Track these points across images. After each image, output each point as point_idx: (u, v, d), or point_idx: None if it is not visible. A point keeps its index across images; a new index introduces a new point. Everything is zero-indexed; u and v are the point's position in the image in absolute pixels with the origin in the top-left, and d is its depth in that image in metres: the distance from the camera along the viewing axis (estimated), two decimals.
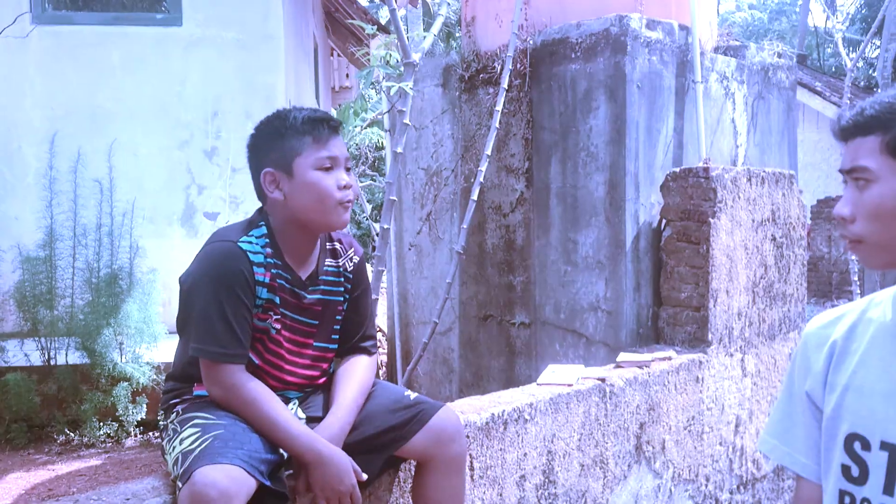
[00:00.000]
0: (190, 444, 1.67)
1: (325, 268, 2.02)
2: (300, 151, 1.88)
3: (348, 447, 1.90)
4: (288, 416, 1.80)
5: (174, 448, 1.72)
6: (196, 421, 1.75)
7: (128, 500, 1.75)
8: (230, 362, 1.80)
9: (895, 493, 1.20)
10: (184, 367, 1.93)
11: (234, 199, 6.99)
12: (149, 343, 5.23)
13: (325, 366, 2.08)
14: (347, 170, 1.95)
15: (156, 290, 5.41)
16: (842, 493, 1.27)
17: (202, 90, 6.95)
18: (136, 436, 5.10)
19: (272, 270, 1.88)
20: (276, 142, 1.91)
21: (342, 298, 2.06)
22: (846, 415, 1.27)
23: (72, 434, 4.99)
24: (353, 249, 2.11)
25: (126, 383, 4.99)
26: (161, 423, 1.95)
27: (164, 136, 6.91)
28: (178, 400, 1.91)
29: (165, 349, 5.31)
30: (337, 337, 2.09)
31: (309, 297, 1.97)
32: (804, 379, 1.36)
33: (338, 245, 2.09)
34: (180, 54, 6.95)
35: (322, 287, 2.00)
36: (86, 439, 4.95)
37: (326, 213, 1.89)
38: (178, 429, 1.77)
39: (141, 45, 6.94)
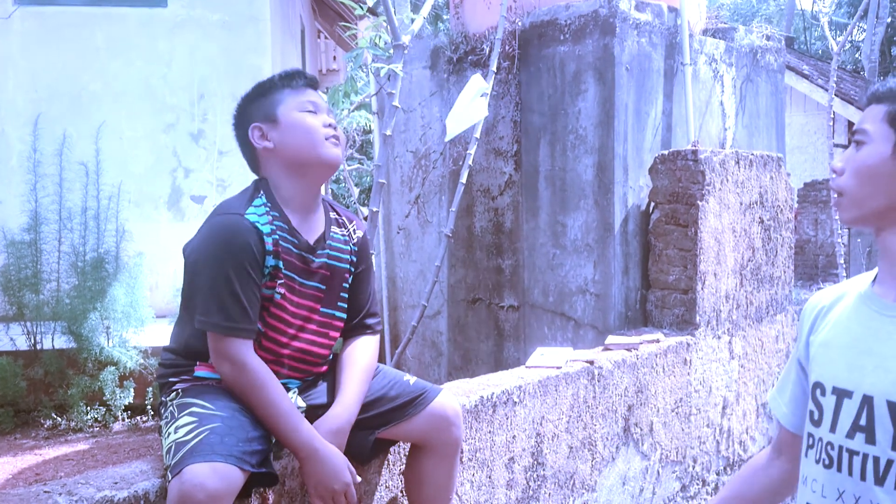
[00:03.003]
0: (184, 435, 1.64)
1: (332, 234, 2.00)
2: (281, 101, 1.93)
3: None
4: (290, 407, 1.78)
5: (169, 434, 1.70)
6: (194, 409, 1.72)
7: (116, 483, 1.74)
8: (239, 336, 1.77)
9: (836, 431, 1.34)
10: (187, 342, 1.88)
11: (220, 181, 6.95)
12: (136, 327, 5.20)
13: (333, 334, 2.02)
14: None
15: (142, 274, 5.37)
16: (808, 436, 1.43)
17: (188, 72, 6.89)
18: (123, 420, 5.08)
19: (278, 234, 1.86)
20: (258, 101, 1.96)
21: (349, 267, 2.04)
22: (815, 367, 1.44)
23: (59, 419, 4.97)
24: (355, 223, 2.10)
25: (113, 367, 4.96)
26: (161, 397, 1.90)
27: (149, 118, 6.85)
28: (177, 378, 1.87)
29: (153, 333, 5.28)
30: (345, 306, 2.04)
31: (316, 260, 1.94)
32: (798, 345, 1.55)
33: (344, 218, 2.08)
34: (165, 36, 6.88)
35: (328, 252, 1.98)
36: (73, 424, 4.93)
37: (316, 146, 1.90)
38: (176, 414, 1.74)
39: (125, 26, 6.86)
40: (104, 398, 4.97)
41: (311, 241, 1.94)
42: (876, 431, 1.29)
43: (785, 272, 4.11)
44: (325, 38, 12.38)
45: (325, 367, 2.05)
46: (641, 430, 3.21)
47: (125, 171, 6.23)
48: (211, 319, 1.76)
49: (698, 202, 3.51)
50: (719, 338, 3.66)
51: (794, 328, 4.20)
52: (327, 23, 11.55)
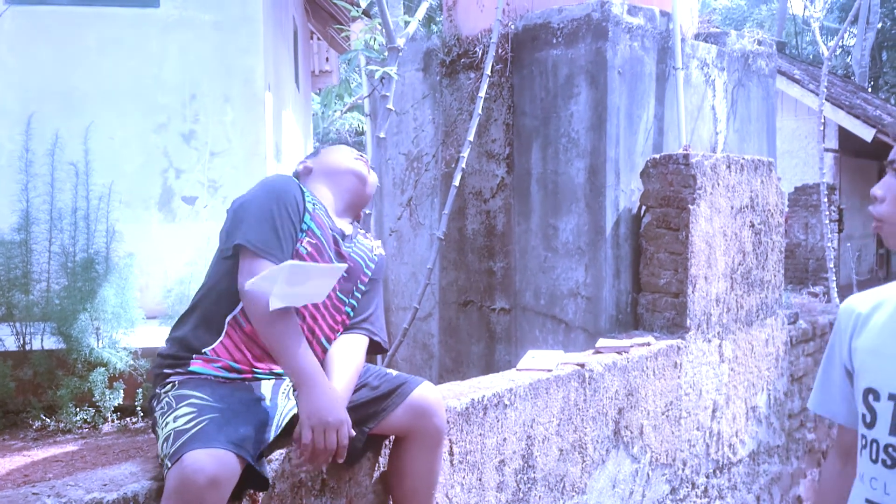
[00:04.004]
0: (184, 424, 1.67)
1: (359, 238, 2.20)
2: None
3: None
4: (301, 337, 1.84)
5: (167, 423, 1.72)
6: (192, 400, 1.75)
7: (105, 485, 1.73)
8: (268, 259, 1.86)
9: None
10: (186, 335, 1.94)
11: (212, 182, 6.93)
12: (126, 328, 5.18)
13: (339, 318, 2.09)
14: None
15: (133, 275, 5.35)
16: (861, 437, 1.51)
17: (180, 73, 6.87)
18: (113, 421, 5.06)
19: (318, 209, 2.06)
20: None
21: (367, 271, 2.17)
22: (864, 373, 1.52)
23: (48, 420, 4.95)
24: (379, 243, 2.30)
25: (103, 368, 4.94)
26: (155, 389, 1.92)
27: (141, 119, 6.82)
28: (172, 371, 1.90)
29: (143, 334, 5.26)
30: (354, 304, 2.15)
31: (345, 247, 2.11)
32: (840, 349, 1.62)
33: (370, 235, 2.30)
34: (157, 36, 6.86)
35: (354, 248, 2.15)
36: (62, 425, 4.91)
37: (347, 160, 2.23)
38: (174, 404, 1.76)
39: (117, 26, 6.84)
40: (94, 399, 4.94)
41: (343, 233, 2.13)
42: None
43: (775, 276, 4.13)
44: (318, 39, 12.37)
45: (322, 355, 2.06)
46: (631, 432, 3.21)
47: (116, 171, 6.20)
48: (248, 237, 1.86)
49: (689, 206, 3.52)
50: (709, 341, 3.67)
51: (784, 331, 4.22)
52: (320, 24, 11.54)
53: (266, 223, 1.89)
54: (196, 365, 1.91)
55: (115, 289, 5.19)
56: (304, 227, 1.98)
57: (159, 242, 6.64)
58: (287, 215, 1.92)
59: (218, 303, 1.97)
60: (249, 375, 1.94)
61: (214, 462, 1.57)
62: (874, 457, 1.47)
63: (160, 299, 5.47)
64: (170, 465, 1.60)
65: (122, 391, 5.03)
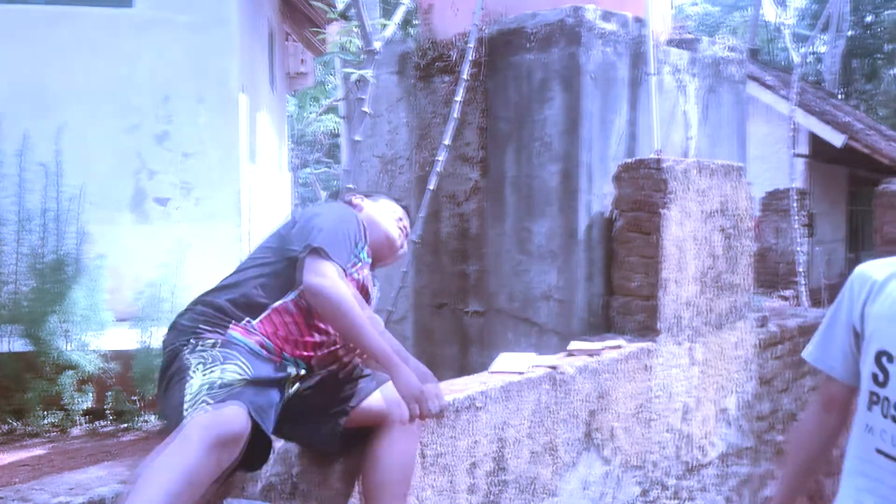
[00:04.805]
0: (233, 378, 1.82)
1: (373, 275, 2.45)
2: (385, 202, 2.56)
3: (311, 408, 2.07)
4: (369, 326, 2.07)
5: (212, 371, 1.84)
6: (239, 363, 1.88)
7: (72, 489, 1.72)
8: (338, 265, 2.05)
9: None
10: (227, 302, 2.05)
11: (185, 184, 6.88)
12: (96, 331, 5.13)
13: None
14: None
15: (103, 277, 5.30)
16: (871, 394, 1.69)
17: (153, 73, 6.82)
18: (82, 425, 5.01)
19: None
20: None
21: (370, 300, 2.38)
22: (878, 336, 1.69)
23: (15, 423, 4.88)
24: (377, 287, 2.49)
25: (72, 371, 4.89)
26: (188, 339, 1.99)
27: (113, 119, 6.76)
28: (211, 329, 2.00)
29: (113, 337, 5.21)
30: None
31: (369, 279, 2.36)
32: (850, 311, 1.79)
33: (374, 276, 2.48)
34: (131, 36, 6.80)
35: (371, 277, 2.39)
36: (30, 428, 4.84)
37: (389, 225, 2.44)
38: (221, 359, 1.89)
39: (91, 26, 6.77)
40: (62, 402, 4.89)
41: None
42: None
43: (745, 279, 4.18)
44: (294, 41, 12.32)
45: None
46: (603, 435, 3.24)
47: (87, 172, 6.12)
48: (325, 244, 2.04)
49: (661, 210, 3.55)
50: (680, 344, 3.71)
51: (753, 335, 4.27)
52: (296, 26, 11.50)
53: (341, 240, 2.11)
54: (234, 331, 2.01)
55: (86, 291, 5.14)
56: (361, 256, 2.25)
57: (131, 244, 6.57)
58: (354, 242, 2.18)
59: (265, 290, 2.09)
60: (278, 360, 2.04)
61: (245, 423, 1.70)
62: (885, 412, 1.66)
63: (131, 301, 5.41)
64: (209, 401, 1.73)
65: (91, 394, 4.98)
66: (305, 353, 2.10)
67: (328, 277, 2.00)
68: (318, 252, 2.03)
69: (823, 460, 1.96)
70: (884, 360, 1.68)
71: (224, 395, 1.75)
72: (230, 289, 2.10)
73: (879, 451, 1.68)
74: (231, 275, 2.19)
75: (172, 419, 1.77)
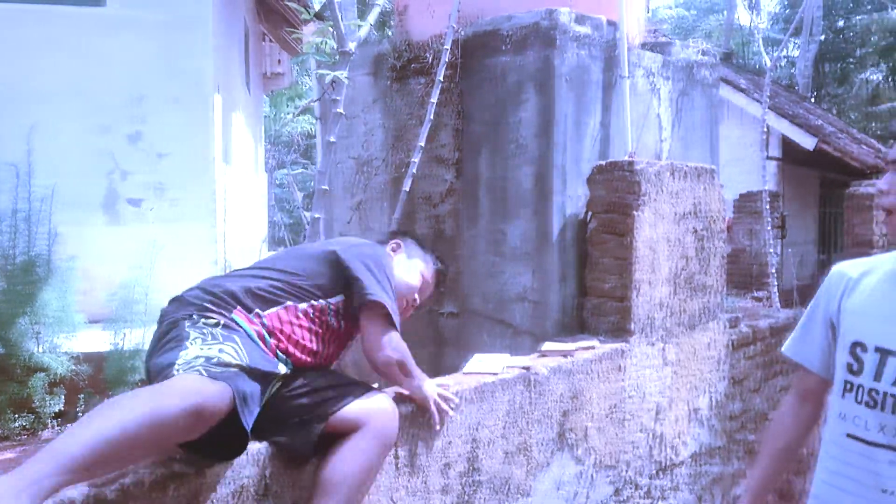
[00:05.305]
0: (229, 360, 1.86)
1: None
2: (426, 260, 2.69)
3: (291, 410, 2.07)
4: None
5: (210, 347, 1.88)
6: (236, 348, 1.92)
7: None
8: (398, 330, 2.29)
9: (881, 381, 1.75)
10: (243, 291, 2.10)
11: (159, 185, 6.83)
12: (67, 333, 5.07)
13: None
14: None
15: (75, 279, 5.25)
16: (845, 383, 1.83)
17: (126, 73, 6.76)
18: (53, 427, 4.95)
19: None
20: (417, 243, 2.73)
21: None
22: (853, 328, 1.83)
23: None
24: None
25: (43, 374, 4.83)
26: (189, 312, 2.03)
27: (85, 119, 6.70)
28: (216, 309, 2.05)
29: (85, 339, 5.16)
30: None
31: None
32: (827, 307, 1.93)
33: None
34: (103, 36, 6.74)
35: None
36: (0, 432, 4.78)
37: (413, 279, 2.59)
38: (220, 339, 1.93)
39: (62, 25, 6.71)
40: (33, 405, 4.83)
41: None
42: None
43: (717, 281, 4.23)
44: (270, 41, 12.27)
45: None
46: (576, 435, 3.26)
47: (59, 172, 6.05)
48: (388, 303, 2.22)
49: (634, 212, 3.58)
50: (653, 344, 3.74)
51: (725, 335, 4.32)
52: (272, 26, 11.44)
53: (393, 294, 2.29)
54: (238, 315, 2.05)
55: (57, 292, 5.08)
56: None
57: (103, 245, 6.51)
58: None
59: (282, 289, 2.18)
60: (272, 355, 2.07)
61: (228, 406, 1.72)
62: (858, 399, 1.79)
63: (104, 303, 5.36)
64: (202, 371, 1.76)
65: (62, 397, 4.92)
66: (299, 355, 2.15)
67: (399, 352, 2.25)
68: (386, 317, 2.23)
69: (798, 450, 2.08)
70: (858, 350, 1.80)
71: (217, 373, 1.77)
72: (245, 279, 2.18)
73: (850, 436, 1.81)
74: (246, 268, 2.29)
75: (159, 376, 1.82)
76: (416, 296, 2.58)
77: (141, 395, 1.66)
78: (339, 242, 2.41)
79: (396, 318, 2.25)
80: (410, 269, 2.57)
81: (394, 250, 2.58)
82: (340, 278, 2.28)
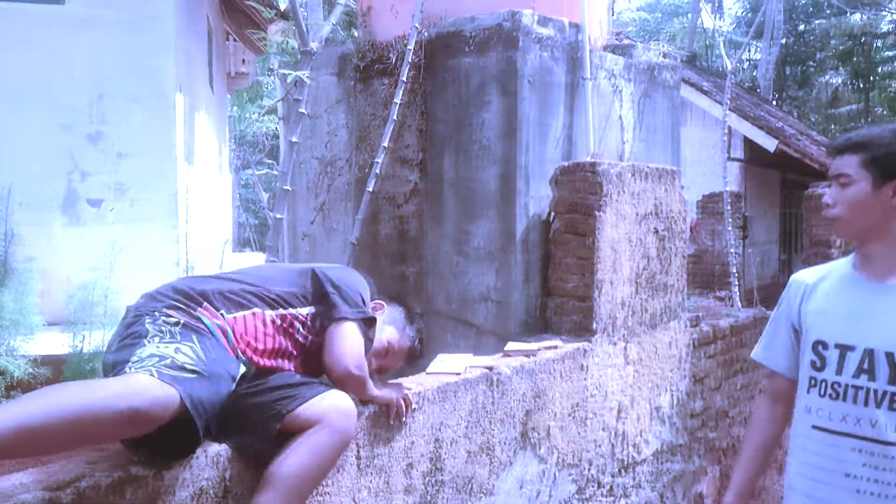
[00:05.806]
0: (185, 361, 1.84)
1: None
2: (401, 327, 2.66)
3: (247, 409, 2.04)
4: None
5: (167, 346, 1.87)
6: (194, 349, 1.90)
7: None
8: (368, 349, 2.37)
9: (842, 374, 1.95)
10: (214, 293, 2.11)
11: (119, 185, 6.74)
12: (25, 335, 4.98)
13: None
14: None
15: (33, 280, 5.16)
16: (810, 379, 2.02)
17: (87, 72, 6.66)
18: None
19: None
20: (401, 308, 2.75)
21: None
22: (814, 329, 2.03)
23: None
24: None
25: None
26: (155, 306, 2.03)
27: (44, 118, 6.58)
28: (185, 307, 2.05)
29: (43, 341, 5.07)
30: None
31: None
32: (789, 312, 2.13)
33: None
34: (63, 34, 6.64)
35: None
36: None
37: (389, 337, 2.58)
38: (178, 338, 1.92)
39: (20, 22, 6.59)
40: None
41: None
42: (876, 372, 1.90)
43: (678, 280, 4.28)
44: (235, 40, 12.17)
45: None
46: (539, 434, 3.28)
47: (17, 172, 5.96)
48: (365, 318, 2.31)
49: (596, 213, 3.62)
50: (615, 344, 3.78)
51: (687, 334, 4.38)
52: (236, 25, 11.35)
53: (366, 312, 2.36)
54: (202, 313, 2.06)
55: (14, 294, 5.00)
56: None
57: (62, 246, 6.41)
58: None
59: (258, 294, 2.21)
60: (233, 353, 2.07)
61: (168, 415, 1.70)
62: (822, 392, 1.98)
63: (62, 305, 5.28)
64: (154, 372, 1.74)
65: None
66: (256, 358, 2.15)
67: (361, 371, 2.25)
68: (354, 334, 2.25)
69: (775, 448, 2.24)
70: (820, 348, 2.00)
71: (168, 377, 1.75)
72: (221, 281, 2.21)
73: (816, 427, 1.99)
74: (225, 273, 2.32)
75: (112, 372, 1.83)
76: (373, 358, 2.52)
77: (75, 388, 1.67)
78: (322, 264, 2.45)
79: (364, 339, 2.30)
80: (380, 331, 2.53)
81: (374, 309, 2.54)
82: (315, 292, 2.31)
